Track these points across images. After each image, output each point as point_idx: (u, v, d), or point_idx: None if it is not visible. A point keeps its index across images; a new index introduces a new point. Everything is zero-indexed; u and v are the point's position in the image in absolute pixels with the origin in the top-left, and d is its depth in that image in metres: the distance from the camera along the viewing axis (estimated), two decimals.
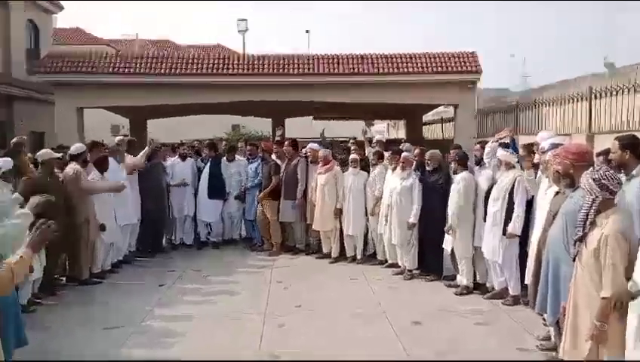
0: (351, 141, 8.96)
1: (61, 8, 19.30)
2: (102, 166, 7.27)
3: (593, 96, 9.61)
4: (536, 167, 5.74)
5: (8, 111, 15.42)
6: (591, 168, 3.70)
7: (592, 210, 3.44)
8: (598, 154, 4.95)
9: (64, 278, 6.99)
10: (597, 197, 3.42)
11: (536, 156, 5.73)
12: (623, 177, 3.81)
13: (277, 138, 10.22)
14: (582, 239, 3.52)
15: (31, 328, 5.00)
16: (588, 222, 3.47)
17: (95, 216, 6.95)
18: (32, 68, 14.13)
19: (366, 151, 8.84)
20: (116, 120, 18.97)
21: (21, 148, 6.92)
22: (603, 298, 3.32)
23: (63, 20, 24.06)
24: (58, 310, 5.98)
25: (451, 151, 7.01)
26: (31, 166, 6.76)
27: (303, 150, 8.88)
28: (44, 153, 6.62)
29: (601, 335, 3.34)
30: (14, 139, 7.19)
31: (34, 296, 6.03)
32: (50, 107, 14.56)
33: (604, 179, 3.40)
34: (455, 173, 6.63)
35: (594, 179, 3.43)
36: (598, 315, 3.34)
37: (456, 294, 6.40)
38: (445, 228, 6.51)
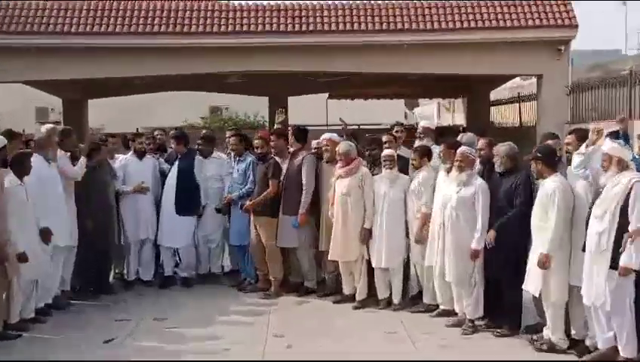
0: (396, 128, 8.76)
1: None
2: (21, 167, 7.20)
3: None
4: None
5: None
6: None
7: None
8: None
9: None
10: None
11: None
12: None
13: (276, 125, 10.16)
14: None
15: None
16: None
17: (12, 243, 6.90)
18: None
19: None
20: (44, 100, 19.07)
21: None
22: None
23: None
24: None
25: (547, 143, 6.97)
26: None
27: (313, 143, 8.88)
28: None
29: None
30: None
31: None
32: None
33: None
34: (541, 177, 6.50)
35: None
36: None
37: (542, 350, 6.32)
38: (537, 260, 6.29)
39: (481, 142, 7.60)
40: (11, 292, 7.07)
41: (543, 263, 6.23)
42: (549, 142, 7.10)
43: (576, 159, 6.22)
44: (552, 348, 6.32)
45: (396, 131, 8.67)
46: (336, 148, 8.20)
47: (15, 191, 7.10)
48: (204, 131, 11.34)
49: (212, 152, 9.40)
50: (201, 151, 9.35)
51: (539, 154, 6.50)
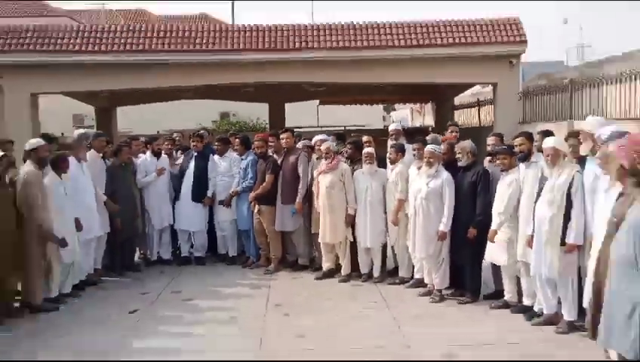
0: (450, 128, 8.56)
1: None
2: (60, 166, 7.23)
3: None
4: (582, 159, 5.92)
5: None
6: None
7: None
8: None
9: (18, 303, 6.96)
10: None
11: (584, 146, 5.88)
12: None
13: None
14: None
15: None
16: None
17: (52, 229, 6.91)
18: None
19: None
20: (79, 108, 18.99)
21: None
22: None
23: None
24: (5, 346, 5.90)
25: (488, 139, 7.15)
26: None
27: (301, 143, 8.84)
28: None
29: None
30: None
31: None
32: None
33: None
34: (508, 169, 6.50)
35: None
36: None
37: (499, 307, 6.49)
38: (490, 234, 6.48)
39: (445, 142, 7.57)
40: (52, 271, 7.07)
41: (490, 236, 6.49)
42: (491, 139, 7.35)
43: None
44: (506, 305, 6.57)
45: (451, 131, 8.19)
46: (320, 147, 8.15)
47: (55, 187, 7.13)
48: (221, 134, 10.88)
49: (226, 151, 9.13)
50: (218, 151, 9.19)
51: (510, 151, 6.49)
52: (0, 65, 13.74)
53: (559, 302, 5.98)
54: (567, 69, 15.82)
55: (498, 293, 6.93)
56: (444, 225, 6.93)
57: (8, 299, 6.80)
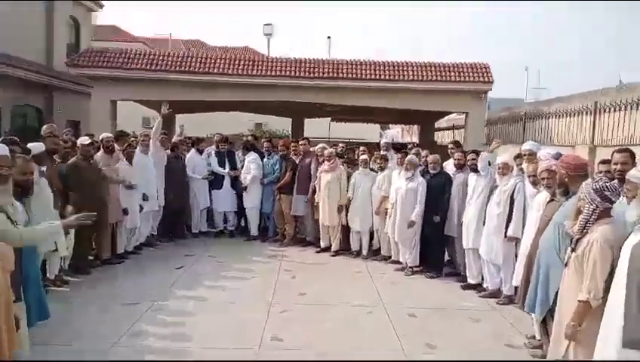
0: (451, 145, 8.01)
1: (101, 6, 19.54)
2: (129, 155, 7.43)
3: (598, 110, 9.46)
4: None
5: (48, 99, 15.76)
6: (590, 179, 3.57)
7: (592, 219, 3.35)
8: (601, 163, 4.87)
9: (92, 257, 7.05)
10: (597, 207, 3.33)
11: (524, 164, 5.83)
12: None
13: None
14: (575, 245, 3.44)
15: (56, 302, 5.14)
16: (584, 230, 3.37)
17: (117, 199, 7.03)
18: (71, 61, 14.23)
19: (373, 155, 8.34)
20: (147, 112, 19.16)
21: (51, 134, 6.89)
22: (579, 301, 3.29)
23: (102, 18, 24.14)
24: (83, 287, 6.10)
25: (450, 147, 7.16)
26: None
27: (314, 148, 8.71)
28: (82, 140, 6.82)
29: (574, 334, 3.32)
30: (44, 126, 7.33)
31: (64, 273, 6.19)
32: (86, 98, 14.80)
33: (605, 190, 3.30)
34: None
35: (595, 190, 3.33)
36: (573, 317, 3.34)
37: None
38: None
39: (425, 153, 7.61)
40: (118, 233, 7.24)
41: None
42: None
43: (479, 163, 6.20)
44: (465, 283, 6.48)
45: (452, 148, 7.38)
46: (324, 152, 8.14)
47: (125, 170, 7.25)
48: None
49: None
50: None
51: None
52: (89, 76, 14.06)
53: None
54: (524, 104, 15.79)
55: (456, 273, 6.92)
56: (415, 215, 6.90)
57: (88, 254, 6.89)
